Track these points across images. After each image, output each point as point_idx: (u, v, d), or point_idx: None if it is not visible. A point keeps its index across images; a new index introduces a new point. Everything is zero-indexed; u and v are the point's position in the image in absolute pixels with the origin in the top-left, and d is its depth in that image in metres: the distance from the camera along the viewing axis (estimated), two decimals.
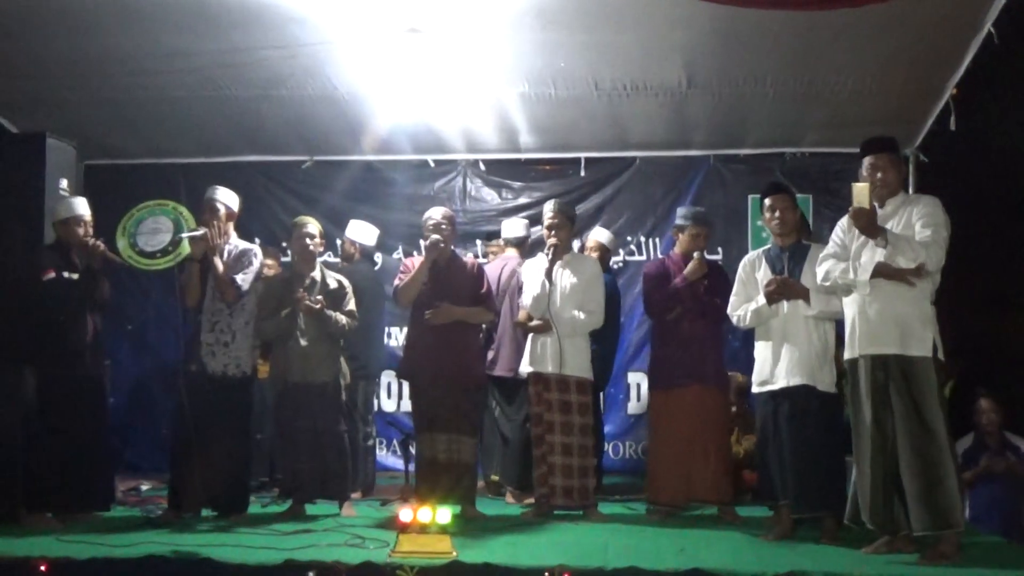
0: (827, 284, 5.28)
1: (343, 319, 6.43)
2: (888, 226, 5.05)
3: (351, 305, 6.54)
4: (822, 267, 5.29)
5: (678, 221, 6.72)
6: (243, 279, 6.20)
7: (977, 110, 7.10)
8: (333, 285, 6.52)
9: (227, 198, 6.37)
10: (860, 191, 5.00)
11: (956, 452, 5.18)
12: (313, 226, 6.55)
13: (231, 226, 6.38)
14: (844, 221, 5.27)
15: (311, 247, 6.50)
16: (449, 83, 7.31)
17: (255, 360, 6.48)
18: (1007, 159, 8.63)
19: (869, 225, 5.01)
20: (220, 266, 6.15)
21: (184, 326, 6.35)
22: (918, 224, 5.03)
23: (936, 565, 4.78)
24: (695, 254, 6.48)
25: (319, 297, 6.34)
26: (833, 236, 5.36)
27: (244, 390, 6.32)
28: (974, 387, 7.39)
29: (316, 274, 6.51)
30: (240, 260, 6.25)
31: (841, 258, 5.22)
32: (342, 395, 6.51)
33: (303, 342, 6.34)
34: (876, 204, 5.15)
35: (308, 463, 6.33)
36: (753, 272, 5.88)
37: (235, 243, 6.35)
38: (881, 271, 5.00)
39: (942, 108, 7.27)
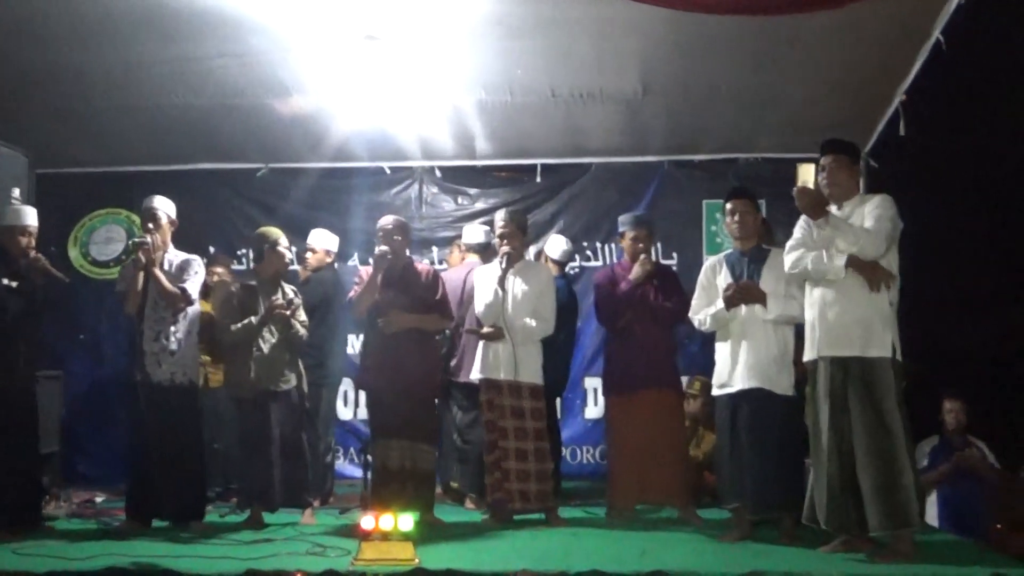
0: (796, 272, 5.28)
1: (301, 329, 6.50)
2: None
3: (302, 315, 6.60)
4: (790, 256, 5.29)
5: (619, 228, 6.82)
6: (191, 287, 6.22)
7: (925, 116, 7.21)
8: (289, 295, 6.57)
9: (166, 206, 6.35)
10: (804, 171, 5.07)
11: (915, 452, 5.25)
12: (285, 239, 6.65)
13: (169, 235, 6.34)
14: None
15: (287, 259, 6.66)
16: (406, 90, 7.27)
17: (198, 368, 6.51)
18: (955, 164, 8.79)
19: (812, 204, 5.08)
20: (162, 276, 6.13)
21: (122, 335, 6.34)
22: (868, 219, 5.10)
23: (890, 563, 4.85)
24: (640, 257, 6.54)
25: (283, 301, 6.41)
26: (797, 229, 5.36)
27: (192, 397, 6.32)
28: (937, 390, 7.51)
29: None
30: (184, 269, 6.25)
31: (810, 247, 5.22)
32: (305, 402, 6.53)
33: (266, 349, 6.35)
34: (833, 204, 5.21)
35: (273, 471, 6.28)
36: (714, 277, 5.93)
37: (174, 253, 6.33)
38: (853, 262, 5.03)
39: (891, 114, 7.36)
